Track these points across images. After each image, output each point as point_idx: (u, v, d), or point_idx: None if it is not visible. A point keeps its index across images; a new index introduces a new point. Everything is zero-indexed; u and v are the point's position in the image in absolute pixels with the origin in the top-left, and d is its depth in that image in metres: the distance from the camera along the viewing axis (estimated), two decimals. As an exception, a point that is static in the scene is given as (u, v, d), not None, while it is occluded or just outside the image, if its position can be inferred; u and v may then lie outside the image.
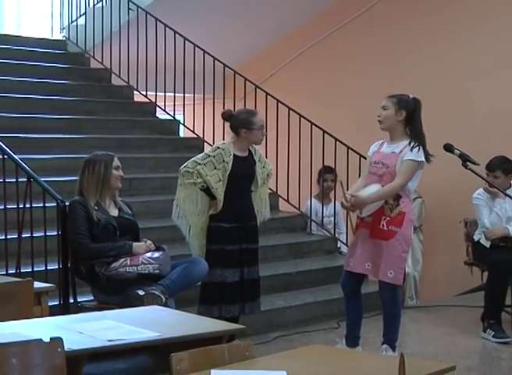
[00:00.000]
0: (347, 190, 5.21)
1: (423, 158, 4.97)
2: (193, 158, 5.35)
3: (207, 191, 5.29)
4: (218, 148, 5.35)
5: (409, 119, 5.01)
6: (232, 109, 6.00)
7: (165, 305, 4.52)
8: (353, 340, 5.16)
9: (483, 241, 5.99)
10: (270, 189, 7.75)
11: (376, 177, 5.01)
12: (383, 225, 4.94)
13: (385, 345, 5.04)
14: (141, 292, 4.58)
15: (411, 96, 5.08)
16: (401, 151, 4.96)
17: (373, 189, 4.95)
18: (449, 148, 4.91)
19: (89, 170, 4.92)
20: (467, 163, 4.88)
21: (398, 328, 5.10)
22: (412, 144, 4.95)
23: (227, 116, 5.46)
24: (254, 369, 2.72)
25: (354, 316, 5.18)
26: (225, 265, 5.23)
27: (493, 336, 5.69)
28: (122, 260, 4.75)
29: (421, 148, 4.95)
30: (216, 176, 5.27)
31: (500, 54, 8.25)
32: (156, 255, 4.83)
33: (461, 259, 6.54)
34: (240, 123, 5.34)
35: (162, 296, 4.55)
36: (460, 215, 6.76)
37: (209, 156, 5.31)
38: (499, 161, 6.04)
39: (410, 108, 5.01)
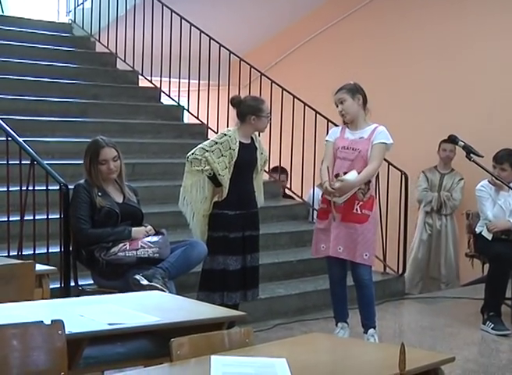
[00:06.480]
0: None
1: (391, 141, 5.10)
2: (200, 146, 5.31)
3: (213, 178, 5.27)
4: (225, 134, 5.32)
5: (364, 101, 5.14)
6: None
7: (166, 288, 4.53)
8: (342, 312, 5.25)
9: (485, 234, 5.98)
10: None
11: (348, 162, 5.09)
12: (357, 209, 5.06)
13: (371, 330, 5.09)
14: (144, 282, 4.56)
15: (352, 82, 5.20)
16: (370, 136, 5.06)
17: (355, 174, 5.03)
18: (453, 139, 4.92)
19: (84, 159, 4.94)
20: (471, 155, 4.88)
21: (375, 309, 5.23)
22: (379, 127, 5.09)
23: (236, 102, 5.43)
24: (253, 356, 2.71)
25: (342, 296, 5.26)
26: (227, 252, 5.23)
27: (492, 328, 5.70)
28: (121, 245, 4.75)
29: (386, 130, 5.10)
30: (223, 164, 5.24)
31: (506, 46, 8.23)
32: (155, 239, 4.83)
33: (462, 251, 6.54)
34: (249, 109, 5.32)
35: (165, 289, 4.52)
36: (462, 207, 6.76)
37: (216, 143, 5.27)
38: (506, 154, 5.99)
39: (361, 91, 5.16)
